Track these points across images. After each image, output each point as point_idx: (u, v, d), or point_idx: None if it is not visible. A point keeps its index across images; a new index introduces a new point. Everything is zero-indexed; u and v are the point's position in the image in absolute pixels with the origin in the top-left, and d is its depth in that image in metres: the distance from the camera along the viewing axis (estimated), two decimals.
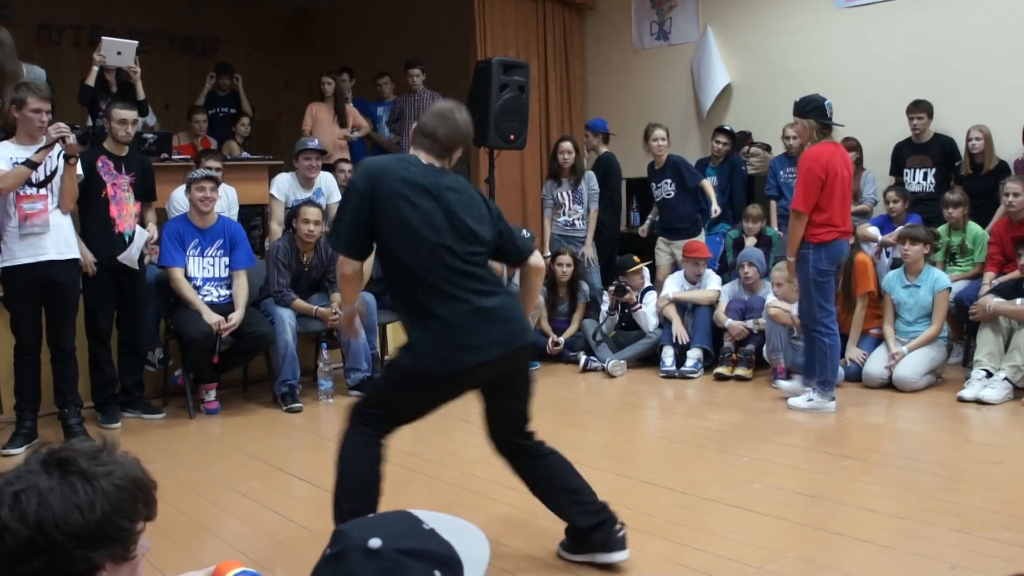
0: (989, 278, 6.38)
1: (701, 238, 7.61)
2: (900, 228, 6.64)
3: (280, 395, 6.09)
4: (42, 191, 5.06)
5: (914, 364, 5.97)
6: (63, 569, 1.51)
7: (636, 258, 7.27)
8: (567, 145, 7.80)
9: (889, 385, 6.05)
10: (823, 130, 5.43)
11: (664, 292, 7.13)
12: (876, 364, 6.16)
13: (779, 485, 4.23)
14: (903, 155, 7.51)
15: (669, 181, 7.69)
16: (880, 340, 6.31)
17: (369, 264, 6.52)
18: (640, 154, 8.12)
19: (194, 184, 5.96)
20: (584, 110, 10.28)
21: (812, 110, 5.40)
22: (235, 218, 6.74)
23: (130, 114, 5.71)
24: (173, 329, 6.06)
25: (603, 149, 8.46)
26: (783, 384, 6.07)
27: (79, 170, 5.21)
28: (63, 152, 5.04)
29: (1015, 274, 6.08)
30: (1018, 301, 5.80)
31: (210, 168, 6.46)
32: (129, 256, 5.68)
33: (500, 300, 3.16)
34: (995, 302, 5.89)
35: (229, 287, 6.05)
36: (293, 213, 6.35)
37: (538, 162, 9.56)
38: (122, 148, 5.71)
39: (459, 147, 3.33)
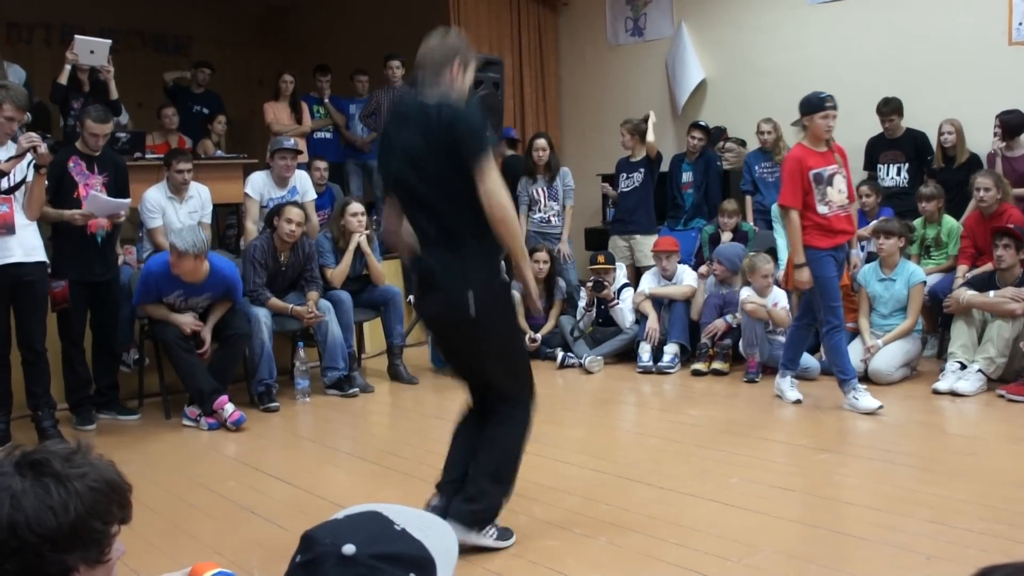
0: (962, 271, 6.42)
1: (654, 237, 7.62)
2: (875, 222, 6.67)
3: (257, 395, 6.05)
4: (6, 196, 5.02)
5: (889, 357, 6.01)
6: (35, 572, 1.50)
7: (601, 258, 7.24)
8: (541, 142, 7.81)
9: (864, 378, 6.05)
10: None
11: (640, 288, 7.15)
12: (851, 357, 6.17)
13: (756, 479, 4.25)
14: (876, 150, 7.55)
15: (641, 171, 7.71)
16: (855, 334, 6.34)
17: (346, 264, 6.55)
18: (614, 150, 8.13)
19: (180, 258, 5.55)
20: (559, 106, 10.29)
21: None
22: (208, 218, 6.69)
23: (103, 128, 5.60)
24: (148, 329, 6.03)
25: (508, 152, 8.50)
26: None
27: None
28: (33, 161, 5.00)
29: (988, 267, 6.12)
30: (991, 294, 5.85)
31: (182, 171, 6.41)
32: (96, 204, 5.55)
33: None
34: (968, 295, 5.92)
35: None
36: (276, 212, 6.29)
37: None
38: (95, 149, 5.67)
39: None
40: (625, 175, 7.84)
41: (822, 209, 5.30)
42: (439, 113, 3.26)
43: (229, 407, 5.58)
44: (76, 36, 6.41)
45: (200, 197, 6.78)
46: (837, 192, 5.33)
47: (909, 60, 7.54)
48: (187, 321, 5.74)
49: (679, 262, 7.21)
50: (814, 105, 5.31)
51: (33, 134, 4.96)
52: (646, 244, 7.61)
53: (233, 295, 5.95)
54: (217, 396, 5.61)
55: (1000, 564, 1.14)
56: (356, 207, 6.74)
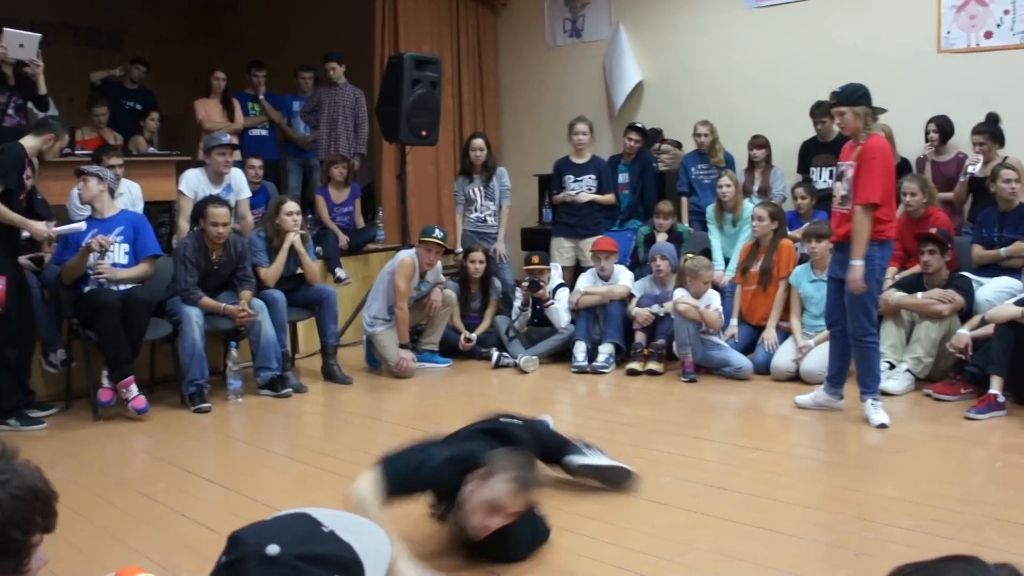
0: (891, 273, 6.52)
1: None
2: (806, 225, 6.77)
3: (188, 395, 5.94)
4: None
5: (820, 357, 6.06)
6: None
7: (535, 258, 7.24)
8: (479, 142, 7.78)
9: (796, 378, 6.16)
10: (874, 117, 5.12)
11: (577, 287, 7.17)
12: (784, 357, 6.28)
13: (689, 478, 4.28)
14: (810, 153, 7.67)
15: (592, 177, 7.72)
16: (788, 333, 6.43)
17: (280, 263, 6.48)
18: (552, 151, 8.15)
19: (86, 181, 6.01)
20: (497, 106, 10.31)
21: (862, 96, 5.04)
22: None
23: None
24: (76, 328, 5.90)
25: None
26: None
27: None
28: None
29: (916, 269, 6.24)
30: (919, 295, 5.96)
31: (112, 167, 6.36)
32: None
33: None
34: (897, 296, 6.04)
35: None
36: (200, 212, 6.19)
37: (452, 158, 9.55)
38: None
39: None
40: (573, 178, 7.80)
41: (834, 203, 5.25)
42: None
43: (133, 388, 5.66)
44: (4, 29, 6.24)
45: (131, 194, 6.70)
46: (842, 188, 5.15)
47: (841, 65, 7.65)
48: (40, 227, 5.61)
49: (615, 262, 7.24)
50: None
51: None
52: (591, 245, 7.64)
53: (144, 235, 6.10)
54: (126, 372, 5.65)
55: (912, 562, 1.16)
56: (291, 206, 6.66)
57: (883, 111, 5.25)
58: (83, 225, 5.77)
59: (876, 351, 5.24)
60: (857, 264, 4.98)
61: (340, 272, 7.76)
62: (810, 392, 5.57)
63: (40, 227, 5.52)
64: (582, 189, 7.77)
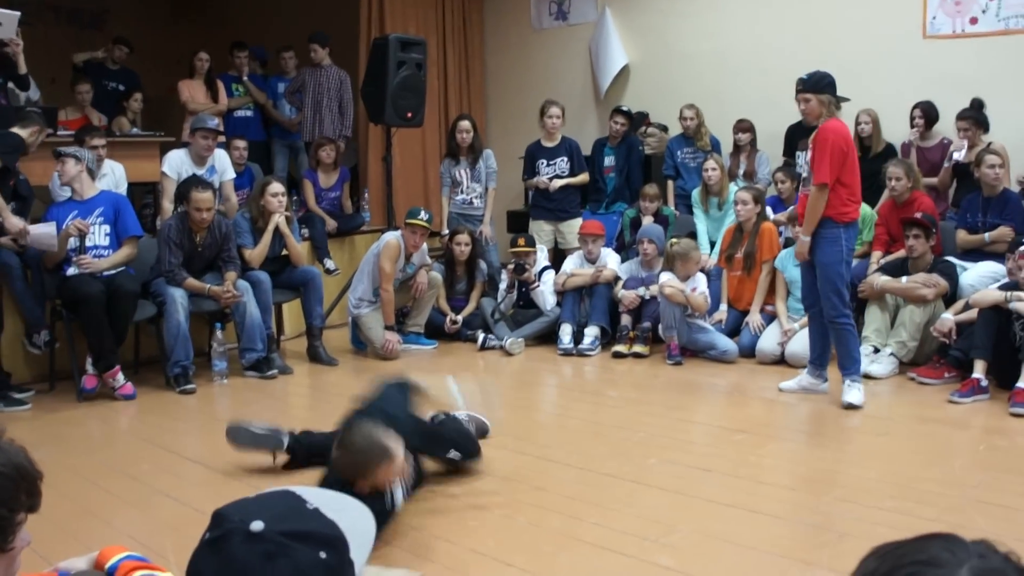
0: (876, 257, 6.55)
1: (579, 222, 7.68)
2: (791, 208, 6.78)
3: (173, 376, 5.92)
4: None
5: (805, 340, 6.07)
6: None
7: (521, 240, 7.25)
8: (465, 124, 7.77)
9: (782, 361, 6.19)
10: (837, 105, 5.20)
11: (563, 269, 7.18)
12: (769, 340, 6.30)
13: (674, 460, 4.29)
14: (796, 138, 7.65)
15: (564, 159, 7.76)
16: (773, 317, 6.45)
17: (265, 244, 6.45)
18: (538, 133, 8.13)
19: (63, 163, 5.94)
20: (483, 89, 10.28)
21: (827, 85, 5.13)
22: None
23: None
24: (60, 310, 5.87)
25: None
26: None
27: None
28: None
29: (901, 253, 6.26)
30: (904, 279, 5.99)
31: (95, 148, 6.32)
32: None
33: None
34: (882, 280, 6.06)
35: None
36: (184, 195, 6.15)
37: (438, 140, 9.53)
38: None
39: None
40: (546, 162, 7.85)
41: None
42: None
43: (120, 377, 5.69)
44: None
45: (114, 175, 6.65)
46: (805, 171, 5.29)
47: (827, 51, 7.66)
48: (16, 222, 5.61)
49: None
50: None
51: None
52: (572, 228, 7.66)
53: (125, 216, 6.06)
54: (112, 363, 5.66)
55: (891, 541, 1.16)
56: (276, 187, 6.63)
57: (846, 100, 5.31)
58: (53, 231, 5.70)
59: (851, 332, 5.25)
60: (805, 240, 5.15)
61: (329, 263, 7.73)
62: (795, 376, 5.59)
63: (16, 221, 5.49)
64: (554, 172, 7.79)
